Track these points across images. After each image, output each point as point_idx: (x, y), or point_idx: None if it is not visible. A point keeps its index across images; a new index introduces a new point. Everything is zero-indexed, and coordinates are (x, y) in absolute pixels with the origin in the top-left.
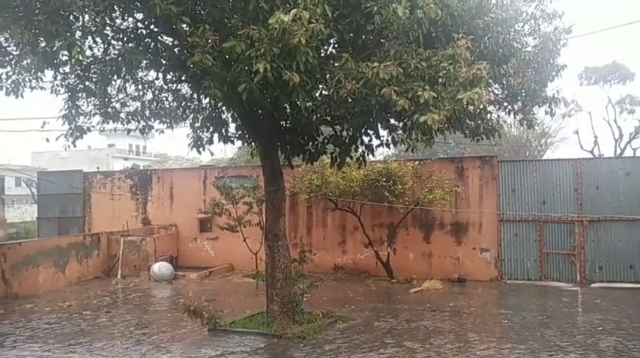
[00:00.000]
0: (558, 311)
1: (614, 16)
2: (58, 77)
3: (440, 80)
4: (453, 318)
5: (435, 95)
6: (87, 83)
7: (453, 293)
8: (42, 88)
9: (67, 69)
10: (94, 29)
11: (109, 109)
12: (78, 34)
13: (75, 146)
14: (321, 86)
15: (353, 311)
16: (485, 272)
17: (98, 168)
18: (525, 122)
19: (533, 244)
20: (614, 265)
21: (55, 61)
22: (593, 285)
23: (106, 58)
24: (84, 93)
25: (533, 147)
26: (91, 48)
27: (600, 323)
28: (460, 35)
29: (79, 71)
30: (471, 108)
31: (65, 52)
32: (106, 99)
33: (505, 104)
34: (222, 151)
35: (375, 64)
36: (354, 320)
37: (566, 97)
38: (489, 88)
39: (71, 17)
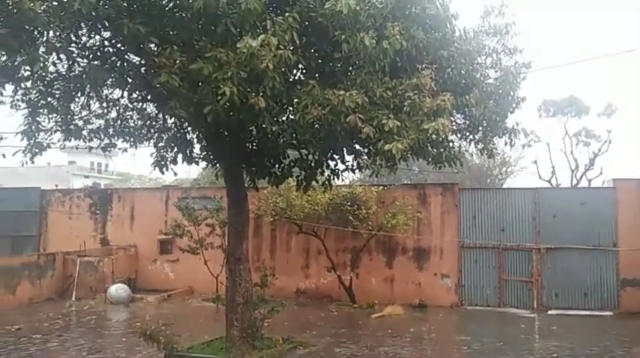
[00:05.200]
0: (516, 337)
1: (572, 51)
2: (19, 92)
3: (404, 109)
4: (413, 344)
5: (399, 124)
6: (49, 99)
7: (414, 319)
8: (1, 102)
9: (28, 84)
10: (58, 45)
11: (72, 126)
12: (42, 49)
13: (33, 162)
14: (288, 110)
15: (314, 336)
16: (446, 298)
17: (57, 185)
18: (486, 152)
19: (492, 271)
20: (570, 293)
21: (16, 76)
22: (549, 312)
23: (70, 74)
24: (45, 110)
25: (494, 175)
26: (54, 64)
27: (556, 349)
28: (424, 65)
29: (41, 87)
30: (434, 137)
31: (27, 67)
32: (69, 116)
33: (467, 133)
34: (187, 172)
35: (342, 92)
36: (314, 346)
37: (526, 128)
38: (452, 118)
39: (35, 32)
